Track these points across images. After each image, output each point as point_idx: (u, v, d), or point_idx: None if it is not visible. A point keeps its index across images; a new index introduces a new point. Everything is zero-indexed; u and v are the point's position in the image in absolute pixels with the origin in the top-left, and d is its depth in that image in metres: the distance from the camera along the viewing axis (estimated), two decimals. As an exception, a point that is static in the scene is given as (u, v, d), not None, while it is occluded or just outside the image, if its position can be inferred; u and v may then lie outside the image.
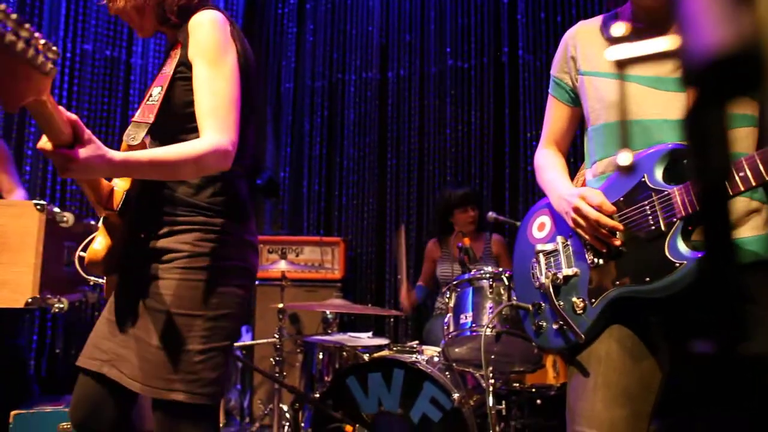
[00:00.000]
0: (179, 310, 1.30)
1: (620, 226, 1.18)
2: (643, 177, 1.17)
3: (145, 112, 1.34)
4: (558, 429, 2.98)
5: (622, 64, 0.34)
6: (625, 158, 0.39)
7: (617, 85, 1.25)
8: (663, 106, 1.20)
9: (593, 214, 1.18)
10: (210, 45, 1.30)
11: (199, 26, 1.32)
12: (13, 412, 2.27)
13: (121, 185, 1.36)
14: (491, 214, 3.09)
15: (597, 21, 1.37)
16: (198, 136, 1.27)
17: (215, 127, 1.24)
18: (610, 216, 1.18)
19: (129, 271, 1.40)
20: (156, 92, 1.35)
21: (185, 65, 1.33)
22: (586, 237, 1.22)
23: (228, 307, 1.34)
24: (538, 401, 2.87)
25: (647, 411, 1.17)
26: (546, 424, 2.99)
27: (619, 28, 0.37)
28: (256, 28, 4.80)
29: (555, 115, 1.45)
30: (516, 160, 4.10)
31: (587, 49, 1.34)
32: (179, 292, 1.30)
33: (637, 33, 0.55)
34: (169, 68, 1.36)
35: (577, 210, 1.21)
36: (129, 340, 1.34)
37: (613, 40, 0.36)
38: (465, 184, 3.67)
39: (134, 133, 1.31)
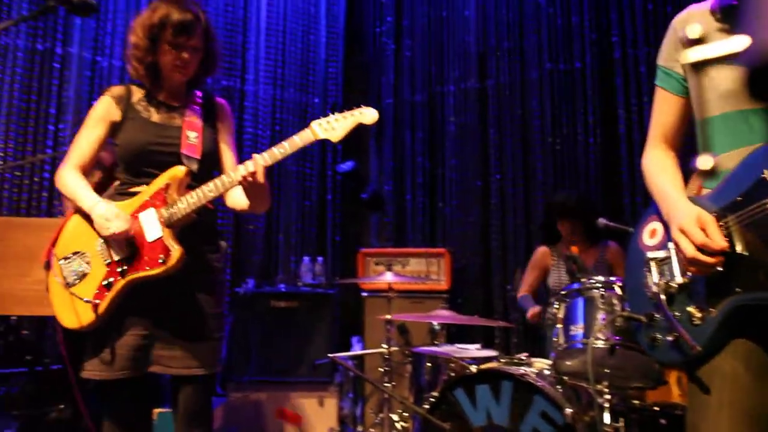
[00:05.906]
0: None
1: (720, 265, 1.12)
2: (763, 173, 1.08)
3: None
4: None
5: (698, 66, 0.33)
6: (705, 162, 0.38)
7: (733, 73, 1.16)
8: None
9: (699, 257, 1.13)
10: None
11: None
12: (156, 410, 2.31)
13: None
14: (602, 221, 2.95)
15: (707, 5, 1.27)
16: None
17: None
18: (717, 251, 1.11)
19: None
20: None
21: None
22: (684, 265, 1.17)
23: None
24: (663, 421, 2.66)
25: None
26: (672, 445, 2.77)
27: (694, 30, 0.36)
28: (357, 48, 4.98)
29: (664, 108, 1.36)
30: (632, 161, 3.87)
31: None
32: None
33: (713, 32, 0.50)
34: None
35: (678, 245, 1.16)
36: None
37: (689, 42, 0.35)
38: (572, 191, 3.52)
39: None
